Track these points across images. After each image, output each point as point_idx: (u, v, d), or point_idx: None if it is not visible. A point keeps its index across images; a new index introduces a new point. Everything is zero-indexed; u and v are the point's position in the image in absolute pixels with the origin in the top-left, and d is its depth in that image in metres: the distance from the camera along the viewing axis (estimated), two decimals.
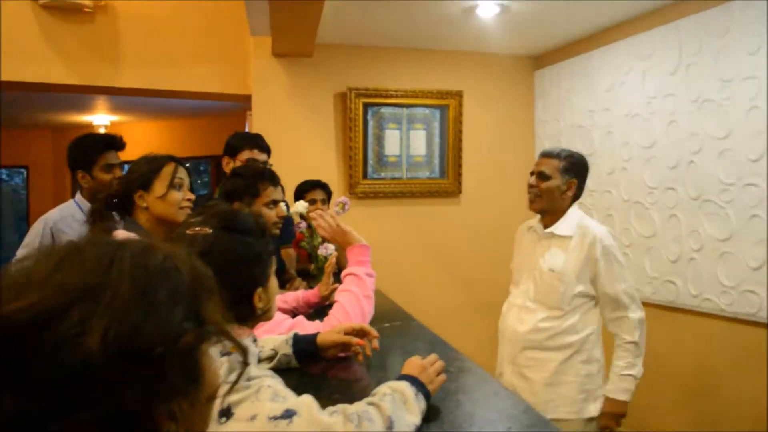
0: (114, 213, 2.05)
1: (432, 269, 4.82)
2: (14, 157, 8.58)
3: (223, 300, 1.08)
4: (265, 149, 3.08)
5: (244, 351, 0.75)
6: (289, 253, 3.13)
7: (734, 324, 3.41)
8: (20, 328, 0.56)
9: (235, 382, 0.76)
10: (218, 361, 1.09)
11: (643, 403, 4.07)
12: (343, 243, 2.15)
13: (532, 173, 2.64)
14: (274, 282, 1.30)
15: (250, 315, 1.24)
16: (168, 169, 2.04)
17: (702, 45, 3.56)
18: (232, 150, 3.03)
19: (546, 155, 2.64)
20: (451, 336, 4.23)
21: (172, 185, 2.04)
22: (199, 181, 10.05)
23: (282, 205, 2.62)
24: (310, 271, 3.28)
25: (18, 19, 3.98)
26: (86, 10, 4.07)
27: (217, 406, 1.03)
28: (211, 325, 0.67)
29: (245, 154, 2.98)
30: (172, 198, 2.03)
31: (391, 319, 2.38)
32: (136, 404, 0.58)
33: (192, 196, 2.10)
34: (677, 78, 3.72)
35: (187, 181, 2.11)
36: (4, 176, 9.92)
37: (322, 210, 3.48)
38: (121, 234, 1.86)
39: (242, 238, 1.23)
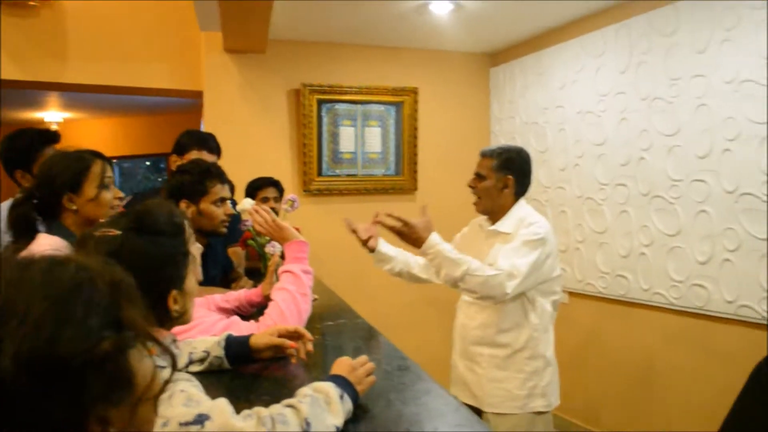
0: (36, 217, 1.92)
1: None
2: None
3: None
4: (215, 150, 3.02)
5: (172, 355, 0.74)
6: (237, 252, 3.08)
7: (683, 317, 3.47)
8: None
9: (163, 387, 0.74)
10: None
11: (595, 395, 4.12)
12: (279, 239, 2.11)
13: (474, 173, 2.67)
14: (191, 283, 1.25)
15: (165, 318, 1.20)
16: (96, 168, 1.93)
17: (652, 44, 3.60)
18: (180, 148, 2.97)
19: (482, 155, 2.68)
20: (405, 332, 4.26)
21: (102, 185, 1.94)
22: (160, 179, 9.92)
23: (229, 203, 2.60)
24: (260, 269, 3.24)
25: None
26: (31, 3, 3.96)
27: None
28: (132, 330, 0.66)
29: (193, 154, 2.91)
30: (103, 199, 1.94)
31: (335, 316, 2.36)
32: (60, 416, 0.59)
33: (121, 194, 2.02)
34: (628, 76, 3.76)
35: (112, 177, 2.01)
36: None
37: (273, 207, 3.46)
38: (43, 238, 1.79)
39: (153, 239, 1.18)
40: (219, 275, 2.77)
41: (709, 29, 3.26)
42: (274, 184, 3.62)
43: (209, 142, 3.00)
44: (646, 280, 3.66)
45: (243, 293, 2.26)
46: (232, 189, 3.83)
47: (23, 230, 1.87)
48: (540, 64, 4.54)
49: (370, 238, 2.70)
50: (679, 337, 3.51)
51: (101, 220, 1.22)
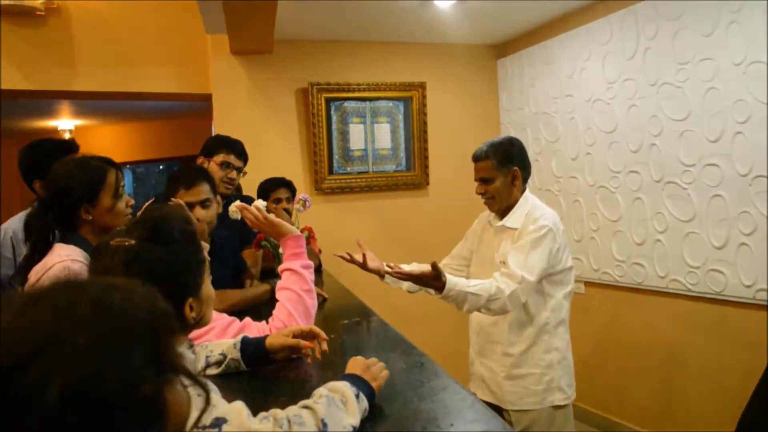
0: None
1: (402, 262, 4.77)
2: None
3: None
4: (242, 156, 3.05)
5: (206, 390, 0.74)
6: (253, 253, 3.10)
7: (701, 303, 3.45)
8: None
9: (198, 421, 0.74)
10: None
11: (614, 384, 4.11)
12: (274, 234, 2.10)
13: (475, 179, 2.63)
14: (207, 289, 1.26)
15: (182, 325, 1.20)
16: (111, 178, 1.92)
17: (659, 29, 3.57)
18: (207, 151, 3.01)
19: (477, 160, 2.61)
20: (420, 328, 4.26)
21: (117, 195, 1.93)
22: None
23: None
24: (274, 269, 3.26)
25: None
26: (38, 13, 3.98)
27: None
28: (171, 368, 0.67)
29: (221, 157, 2.96)
30: (119, 209, 1.93)
31: (350, 315, 2.37)
32: None
33: (132, 202, 2.01)
34: (636, 62, 3.74)
35: (124, 185, 2.01)
36: None
37: (286, 208, 3.47)
38: (60, 249, 1.80)
39: (168, 248, 1.18)
40: (229, 274, 2.78)
41: (715, 12, 3.24)
42: (287, 184, 3.63)
43: (237, 147, 3.04)
44: (663, 267, 3.64)
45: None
46: (239, 188, 3.86)
47: (43, 242, 1.88)
48: (547, 53, 4.52)
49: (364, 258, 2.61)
50: (697, 324, 3.49)
51: (117, 229, 1.23)
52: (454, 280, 2.32)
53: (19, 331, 0.59)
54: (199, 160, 3.01)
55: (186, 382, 0.70)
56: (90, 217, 1.90)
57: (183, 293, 1.19)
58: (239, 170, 3.02)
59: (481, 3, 3.98)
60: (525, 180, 2.61)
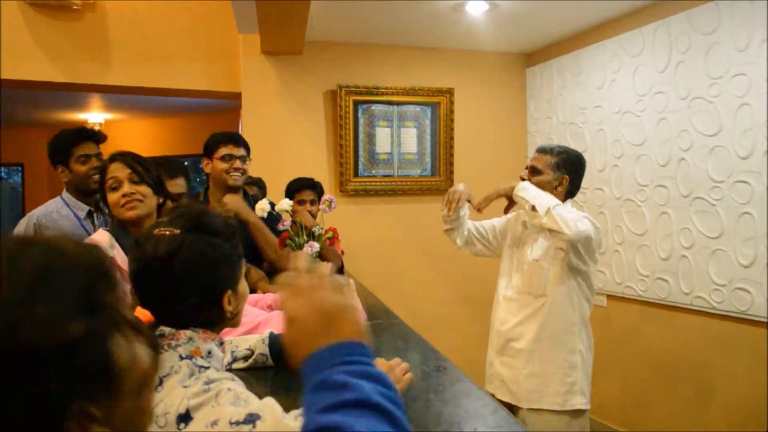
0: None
1: (423, 267, 4.80)
2: (11, 155, 8.57)
3: (192, 303, 1.11)
4: (241, 143, 3.05)
5: (154, 342, 0.69)
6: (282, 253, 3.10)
7: (726, 321, 3.40)
8: None
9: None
10: (177, 363, 1.08)
11: (633, 399, 4.07)
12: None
13: (526, 168, 2.68)
14: (244, 286, 1.27)
15: (219, 318, 1.22)
16: (106, 174, 2.06)
17: (692, 42, 3.54)
18: (208, 151, 3.04)
19: (540, 151, 2.69)
20: (441, 332, 4.26)
21: (109, 189, 2.04)
22: (198, 179, 10.05)
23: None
24: None
25: (6, 18, 3.95)
26: (75, 8, 4.05)
27: (175, 409, 1.01)
28: (110, 316, 0.61)
29: (221, 151, 2.97)
30: (111, 201, 2.04)
31: (372, 317, 2.37)
32: (26, 413, 0.54)
33: (126, 191, 2.03)
34: (667, 75, 3.71)
35: (123, 174, 2.04)
36: (3, 174, 9.91)
37: (310, 210, 3.47)
38: (96, 235, 1.91)
39: (211, 240, 1.19)
40: None
41: (750, 27, 3.20)
42: (312, 186, 3.63)
43: (233, 136, 3.07)
44: (687, 283, 3.60)
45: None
46: (264, 188, 3.87)
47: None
48: (577, 63, 4.50)
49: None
50: (721, 342, 3.44)
51: (159, 219, 1.25)
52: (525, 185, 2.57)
53: None
54: (204, 162, 3.05)
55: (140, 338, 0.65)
56: (107, 211, 2.13)
57: (222, 285, 1.20)
58: (243, 158, 3.02)
59: (513, 11, 3.98)
60: (569, 194, 2.68)
